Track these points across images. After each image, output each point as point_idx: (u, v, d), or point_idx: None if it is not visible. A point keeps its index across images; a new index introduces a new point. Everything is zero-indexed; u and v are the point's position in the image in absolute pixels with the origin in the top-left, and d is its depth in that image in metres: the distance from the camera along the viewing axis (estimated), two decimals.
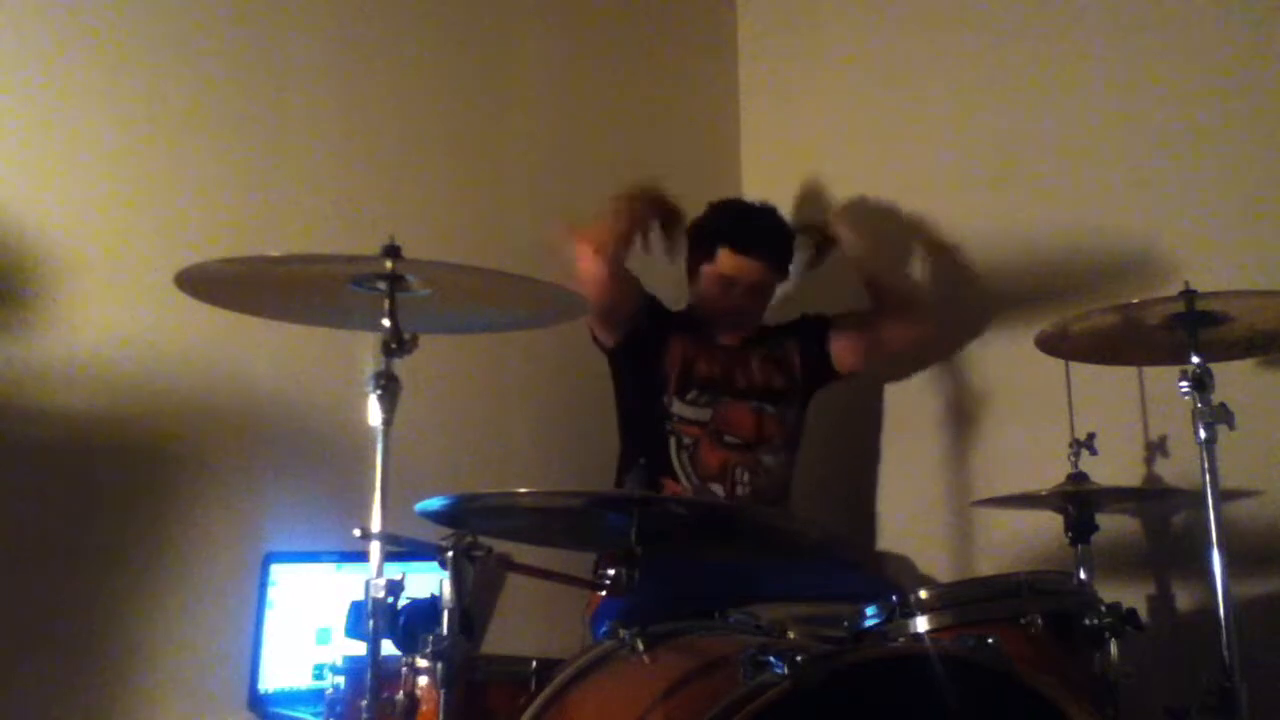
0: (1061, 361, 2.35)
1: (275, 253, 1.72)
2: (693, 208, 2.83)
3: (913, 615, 1.84)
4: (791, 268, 2.85)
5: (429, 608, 1.58)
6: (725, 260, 2.70)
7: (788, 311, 2.93)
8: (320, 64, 2.75)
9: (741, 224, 2.73)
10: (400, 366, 1.68)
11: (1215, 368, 1.87)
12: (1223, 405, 1.85)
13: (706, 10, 3.57)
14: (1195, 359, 1.87)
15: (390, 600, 1.61)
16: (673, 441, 2.68)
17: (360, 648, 1.63)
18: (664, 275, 2.85)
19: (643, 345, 2.71)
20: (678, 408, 2.69)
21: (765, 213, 2.80)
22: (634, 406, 2.74)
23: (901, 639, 1.81)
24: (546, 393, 2.88)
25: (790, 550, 2.12)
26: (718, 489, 2.66)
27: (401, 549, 1.64)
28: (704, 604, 1.99)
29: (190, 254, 1.67)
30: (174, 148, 2.51)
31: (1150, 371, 2.46)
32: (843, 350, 2.81)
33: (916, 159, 3.06)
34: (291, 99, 2.69)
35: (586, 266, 2.59)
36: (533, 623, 2.54)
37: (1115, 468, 2.35)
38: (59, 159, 2.37)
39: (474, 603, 1.62)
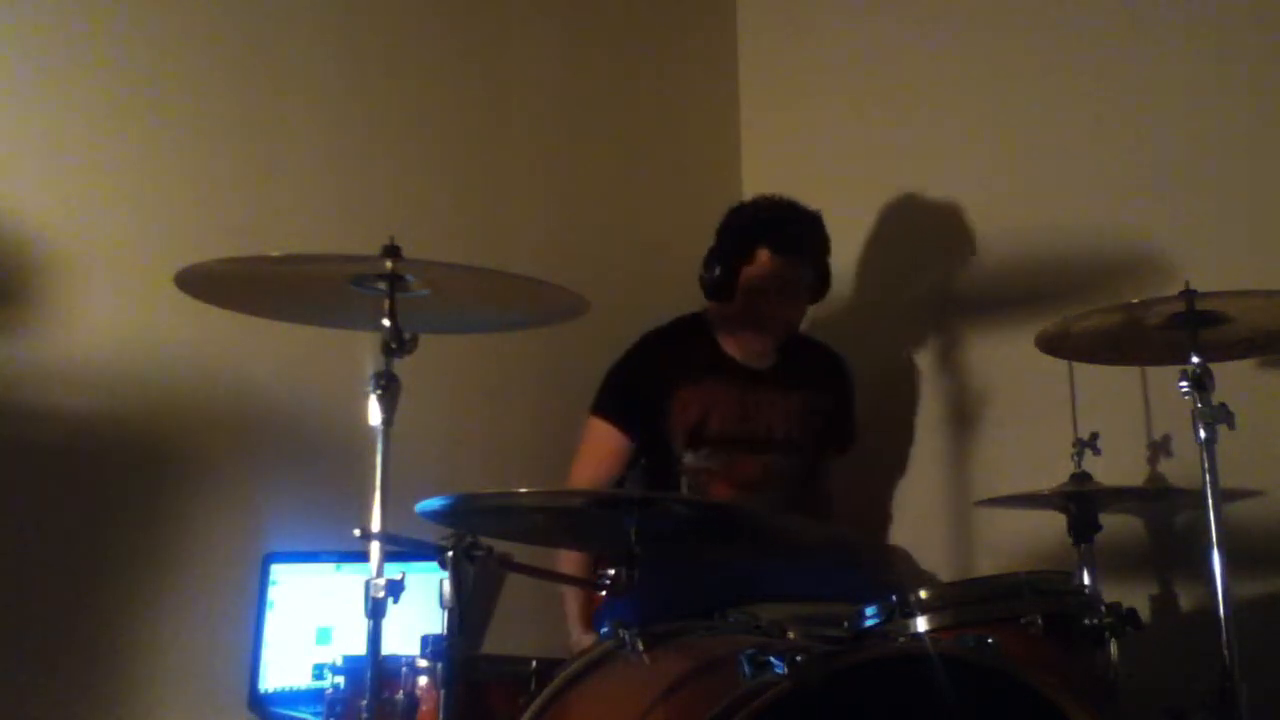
0: (1064, 361, 2.35)
1: (275, 253, 1.72)
2: (694, 209, 2.82)
3: (913, 615, 1.84)
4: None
5: None
6: (764, 260, 2.59)
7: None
8: (320, 64, 2.74)
9: (781, 224, 2.62)
10: (400, 366, 1.68)
11: (1215, 368, 1.87)
12: (1223, 405, 1.85)
13: (706, 11, 3.57)
14: (1195, 359, 1.87)
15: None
16: (683, 480, 2.64)
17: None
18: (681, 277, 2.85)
19: (649, 415, 2.62)
20: (689, 459, 2.63)
21: (804, 213, 2.66)
22: (642, 455, 2.64)
23: (901, 639, 1.81)
24: (546, 393, 2.88)
25: (790, 550, 2.12)
26: None
27: (401, 549, 1.64)
28: (704, 604, 1.99)
29: (190, 254, 1.67)
30: (174, 148, 2.51)
31: (1153, 371, 2.46)
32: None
33: (917, 159, 3.06)
34: (291, 99, 2.68)
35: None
36: (533, 623, 2.54)
37: (1118, 467, 2.35)
38: (59, 159, 2.37)
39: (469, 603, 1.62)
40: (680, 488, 2.63)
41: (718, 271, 2.62)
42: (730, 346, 2.71)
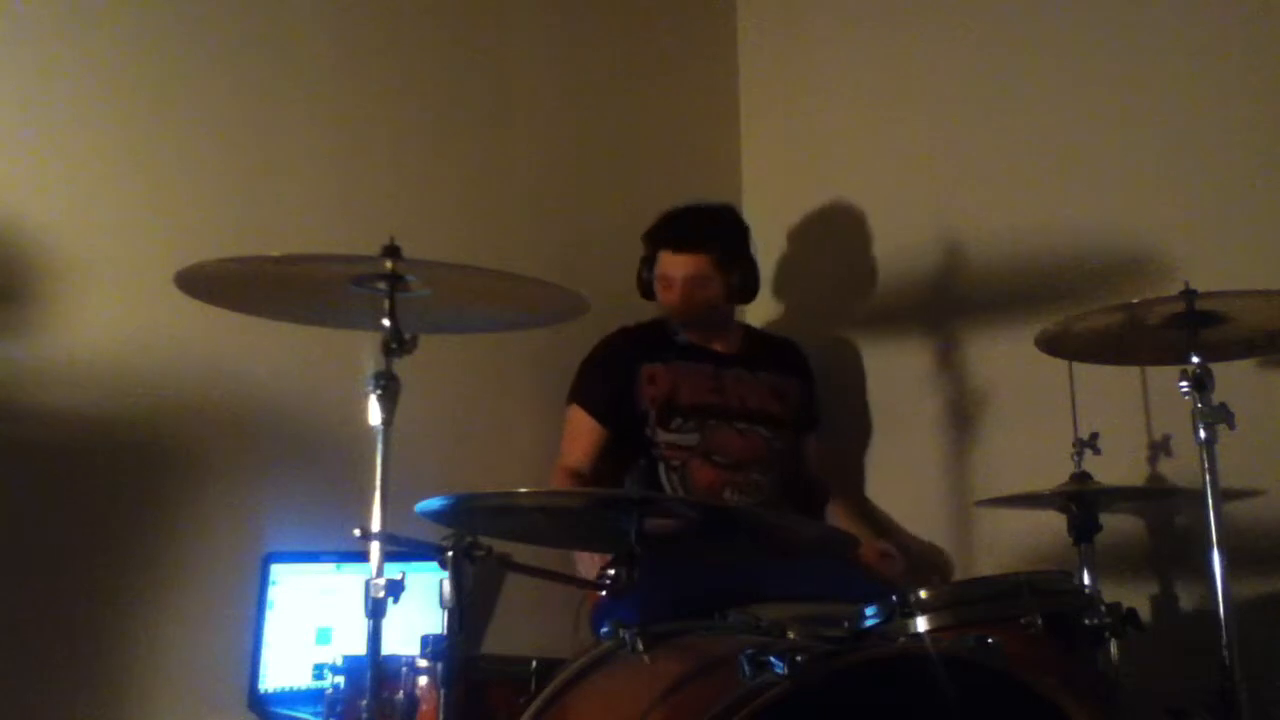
0: (1064, 361, 2.35)
1: (275, 253, 1.72)
2: None
3: (913, 615, 1.84)
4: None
5: None
6: (664, 261, 2.74)
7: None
8: (320, 64, 2.75)
9: (670, 223, 2.77)
10: (400, 366, 1.68)
11: (1215, 368, 1.87)
12: (1223, 405, 1.85)
13: (707, 12, 3.57)
14: (1195, 359, 1.87)
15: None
16: (661, 466, 2.69)
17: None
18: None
19: (619, 397, 2.73)
20: (662, 436, 2.69)
21: (697, 209, 2.79)
22: (619, 440, 2.73)
23: (901, 639, 1.81)
24: (546, 393, 2.87)
25: (790, 550, 2.11)
26: None
27: (401, 549, 1.64)
28: (704, 604, 1.99)
29: (190, 254, 1.67)
30: (174, 147, 2.51)
31: (1154, 371, 2.46)
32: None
33: (917, 160, 3.06)
34: (291, 99, 2.68)
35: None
36: (533, 623, 2.54)
37: (1119, 467, 2.35)
38: (59, 159, 2.37)
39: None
40: (658, 473, 2.67)
41: (642, 275, 2.80)
42: (693, 339, 2.82)
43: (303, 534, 2.43)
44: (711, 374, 2.77)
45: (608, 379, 2.75)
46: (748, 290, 2.83)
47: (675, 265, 2.72)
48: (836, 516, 2.84)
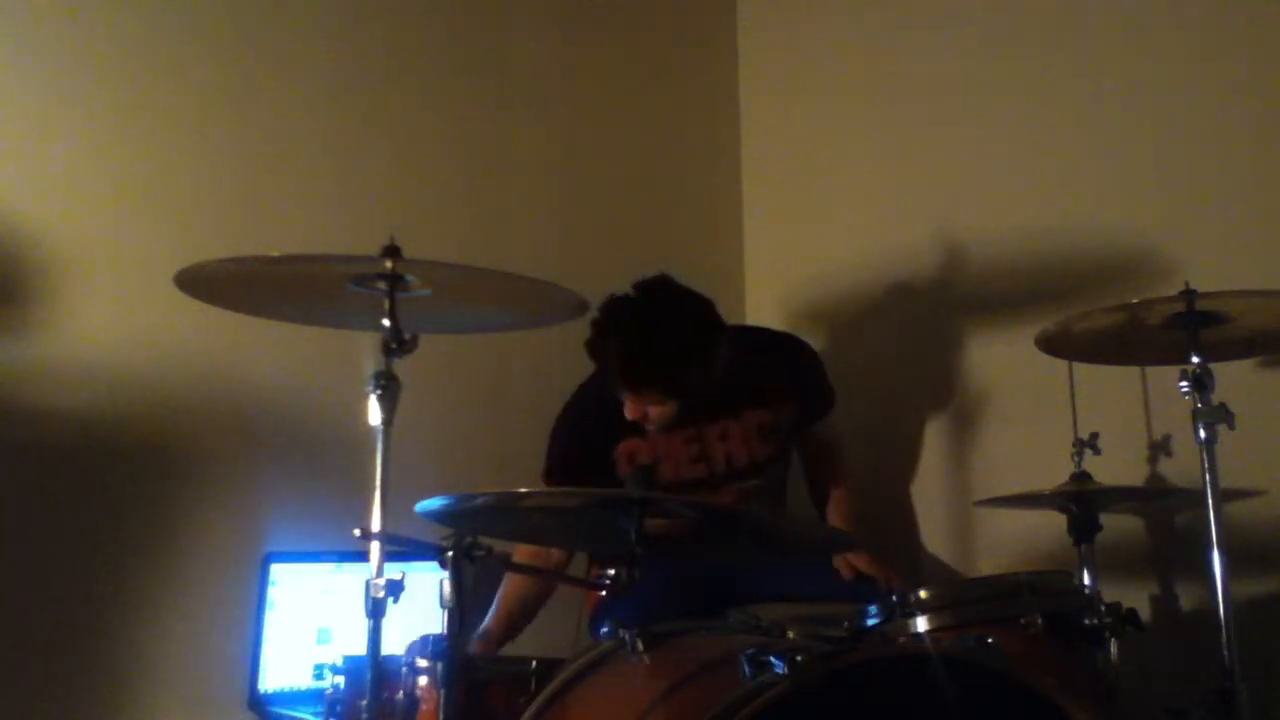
0: (1064, 361, 2.35)
1: (275, 253, 1.72)
2: (695, 208, 2.82)
3: (913, 615, 1.84)
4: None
5: None
6: (629, 398, 2.39)
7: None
8: (320, 65, 2.75)
9: (625, 367, 2.35)
10: (400, 366, 1.68)
11: (1215, 368, 1.87)
12: (1223, 405, 1.85)
13: (707, 13, 3.57)
14: (1195, 359, 1.87)
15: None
16: None
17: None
18: None
19: (599, 472, 2.46)
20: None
21: (649, 344, 2.33)
22: None
23: (901, 639, 1.81)
24: (546, 393, 2.87)
25: (790, 550, 2.11)
26: None
27: (401, 549, 1.64)
28: (704, 604, 1.99)
29: (190, 254, 1.67)
30: (174, 148, 2.51)
31: (1154, 371, 2.46)
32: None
33: (917, 159, 3.06)
34: (291, 99, 2.69)
35: None
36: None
37: (1119, 467, 2.35)
38: (59, 159, 2.38)
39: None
40: None
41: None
42: None
43: (303, 534, 2.44)
44: (693, 436, 2.49)
45: (581, 459, 2.50)
46: (706, 378, 2.39)
47: (643, 403, 2.39)
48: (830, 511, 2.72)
